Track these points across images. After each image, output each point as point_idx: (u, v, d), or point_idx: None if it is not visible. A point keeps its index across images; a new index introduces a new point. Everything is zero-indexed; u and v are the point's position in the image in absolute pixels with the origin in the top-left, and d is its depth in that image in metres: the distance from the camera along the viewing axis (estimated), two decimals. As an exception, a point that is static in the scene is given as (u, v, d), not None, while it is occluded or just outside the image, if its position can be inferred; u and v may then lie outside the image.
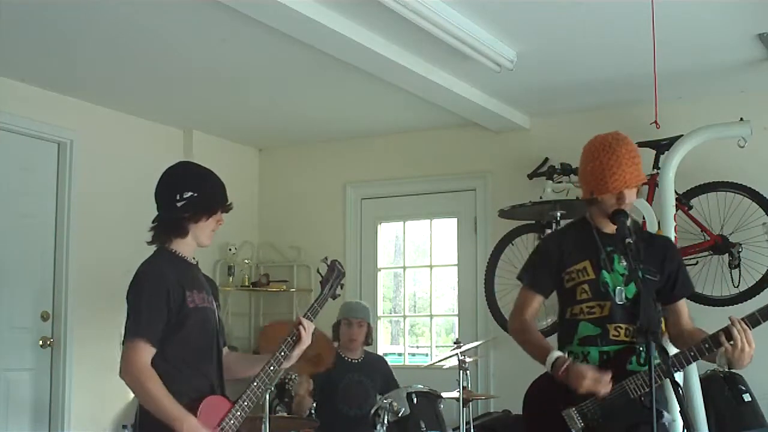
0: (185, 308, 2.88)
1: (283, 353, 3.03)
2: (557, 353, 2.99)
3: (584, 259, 3.07)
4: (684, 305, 3.14)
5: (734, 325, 2.82)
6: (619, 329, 3.01)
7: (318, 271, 3.39)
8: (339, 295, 3.37)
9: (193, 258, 3.05)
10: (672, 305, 3.12)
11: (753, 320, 2.84)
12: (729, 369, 2.89)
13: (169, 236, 2.97)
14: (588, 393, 2.90)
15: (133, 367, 2.76)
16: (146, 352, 2.78)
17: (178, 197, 2.94)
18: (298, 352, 3.05)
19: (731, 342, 2.80)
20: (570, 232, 3.27)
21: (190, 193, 2.94)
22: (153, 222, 3.00)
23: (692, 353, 2.88)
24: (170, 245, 2.97)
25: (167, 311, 2.83)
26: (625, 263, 3.02)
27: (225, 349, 3.12)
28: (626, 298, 3.01)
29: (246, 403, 2.94)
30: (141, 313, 2.82)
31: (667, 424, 3.02)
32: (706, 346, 2.86)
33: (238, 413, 2.92)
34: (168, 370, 2.81)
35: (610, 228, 3.07)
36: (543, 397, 3.06)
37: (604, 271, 3.04)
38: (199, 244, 3.02)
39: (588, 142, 3.11)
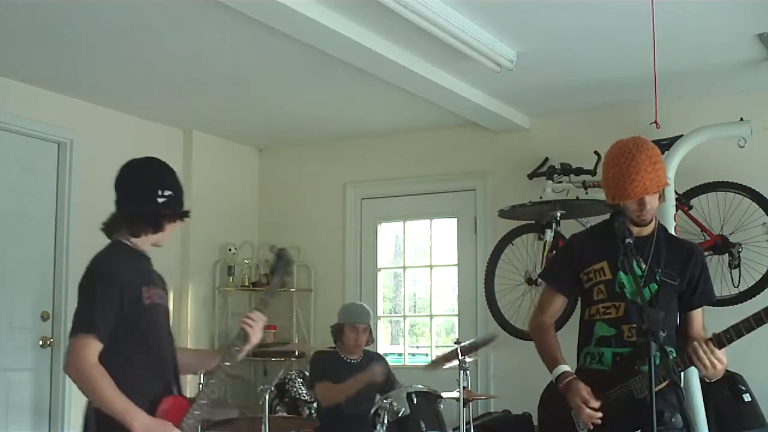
0: (141, 305, 2.81)
1: (236, 348, 2.97)
2: (563, 368, 3.04)
3: (602, 259, 3.10)
4: (699, 314, 3.14)
5: (700, 346, 2.85)
6: (633, 330, 3.01)
7: (267, 262, 3.32)
8: (287, 282, 3.28)
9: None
10: (689, 312, 3.13)
11: (718, 340, 2.86)
12: (709, 380, 2.94)
13: (144, 230, 2.90)
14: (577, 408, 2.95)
15: (82, 363, 2.68)
16: (95, 348, 2.70)
17: (160, 193, 2.89)
18: (249, 346, 2.99)
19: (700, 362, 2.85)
20: (592, 233, 3.33)
21: (169, 192, 2.91)
22: (119, 211, 2.92)
23: (679, 367, 2.92)
24: (130, 239, 2.90)
25: (120, 308, 2.75)
26: (644, 265, 3.03)
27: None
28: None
29: (204, 401, 2.88)
30: (92, 307, 2.73)
31: (679, 426, 2.99)
32: (685, 358, 2.90)
33: (197, 412, 2.86)
34: (124, 368, 2.75)
35: (633, 231, 3.06)
36: (556, 396, 3.07)
37: (621, 273, 3.05)
38: (156, 245, 2.96)
39: (610, 147, 3.11)
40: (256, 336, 2.99)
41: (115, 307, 2.74)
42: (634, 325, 2.99)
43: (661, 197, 3.09)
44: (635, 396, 2.91)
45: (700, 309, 3.15)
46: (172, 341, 2.97)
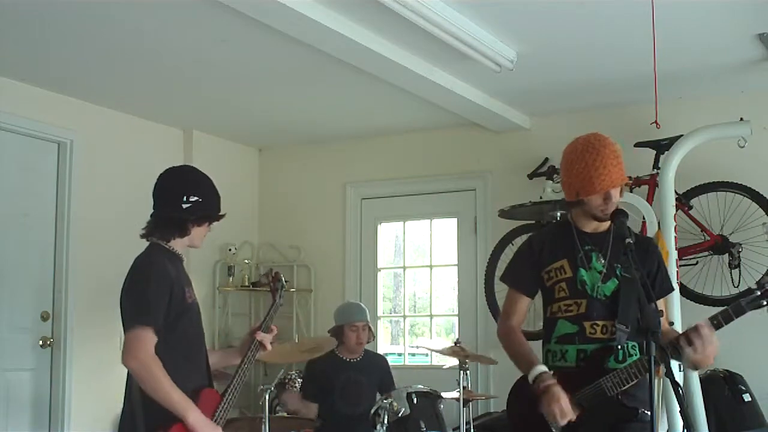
0: (185, 303, 2.99)
1: (253, 352, 3.28)
2: (541, 368, 3.03)
3: (562, 257, 3.12)
4: (662, 305, 3.14)
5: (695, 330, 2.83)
6: (595, 326, 3.03)
7: (268, 282, 3.62)
8: (282, 304, 3.59)
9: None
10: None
11: (716, 322, 2.85)
12: (695, 369, 2.91)
13: (172, 234, 3.08)
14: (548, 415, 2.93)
15: (143, 354, 2.83)
16: (153, 340, 2.87)
17: (185, 198, 3.05)
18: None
19: (692, 345, 2.82)
20: (550, 232, 3.35)
21: (196, 198, 3.07)
22: (152, 216, 3.11)
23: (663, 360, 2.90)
24: (167, 242, 3.08)
25: (168, 304, 2.92)
26: (603, 261, 3.05)
27: None
28: (604, 295, 3.04)
29: (230, 398, 3.10)
30: (149, 301, 2.89)
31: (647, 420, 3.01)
32: (669, 349, 2.88)
33: (226, 406, 3.07)
34: (168, 362, 2.88)
35: (590, 227, 3.11)
36: (526, 395, 3.08)
37: (581, 269, 3.07)
38: (192, 246, 3.15)
39: (569, 145, 3.13)
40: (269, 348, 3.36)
41: (166, 301, 2.92)
42: (597, 322, 3.02)
43: (622, 191, 3.11)
44: (607, 394, 2.93)
45: (662, 300, 3.14)
46: (204, 337, 3.16)
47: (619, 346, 3.00)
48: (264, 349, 3.30)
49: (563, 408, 2.91)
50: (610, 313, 3.01)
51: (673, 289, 3.28)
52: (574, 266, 3.08)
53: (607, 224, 3.11)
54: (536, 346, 3.20)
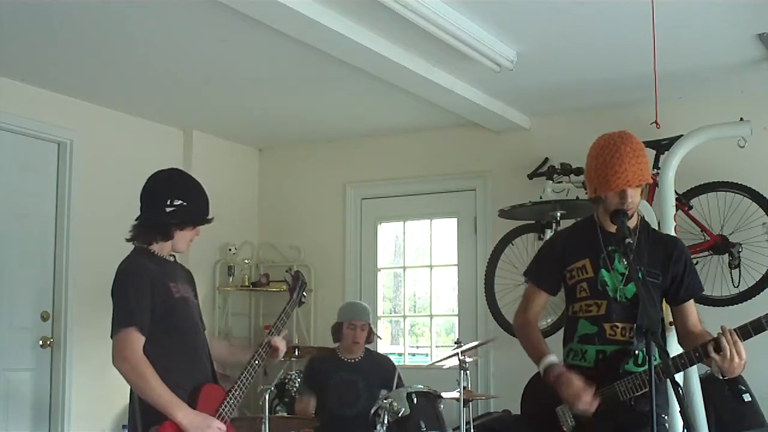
0: (171, 298, 3.00)
1: (261, 354, 3.27)
2: (550, 359, 3.03)
3: (585, 257, 3.09)
4: (691, 307, 3.12)
5: (724, 335, 2.80)
6: (615, 328, 3.02)
7: (285, 280, 3.65)
8: (304, 302, 3.63)
9: (171, 255, 3.18)
10: (679, 307, 3.11)
11: (744, 331, 2.82)
12: (723, 377, 2.87)
13: (154, 237, 3.09)
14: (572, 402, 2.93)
15: (131, 355, 2.85)
16: (139, 340, 2.88)
17: (168, 202, 3.06)
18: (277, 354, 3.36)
19: (720, 353, 2.79)
20: (575, 230, 3.29)
21: (180, 201, 3.07)
22: (136, 220, 3.13)
23: (683, 361, 2.89)
24: (149, 246, 3.09)
25: (152, 301, 2.93)
26: (625, 262, 3.01)
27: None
28: (625, 297, 3.02)
29: (237, 393, 3.10)
30: (129, 302, 2.91)
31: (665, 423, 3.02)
32: (696, 355, 2.87)
33: (232, 401, 3.06)
34: (163, 361, 2.90)
35: (614, 227, 3.06)
36: (539, 392, 3.08)
37: (603, 270, 3.05)
38: (175, 250, 3.14)
39: (595, 140, 3.10)
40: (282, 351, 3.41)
41: (148, 299, 2.92)
42: (617, 324, 3.00)
43: (643, 193, 3.06)
44: (619, 398, 2.92)
45: (691, 302, 3.12)
46: (203, 333, 3.17)
47: (637, 350, 2.97)
48: (276, 353, 3.30)
49: (576, 392, 2.90)
50: (631, 316, 2.97)
51: (702, 290, 3.22)
52: (596, 266, 3.05)
53: (632, 224, 3.04)
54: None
